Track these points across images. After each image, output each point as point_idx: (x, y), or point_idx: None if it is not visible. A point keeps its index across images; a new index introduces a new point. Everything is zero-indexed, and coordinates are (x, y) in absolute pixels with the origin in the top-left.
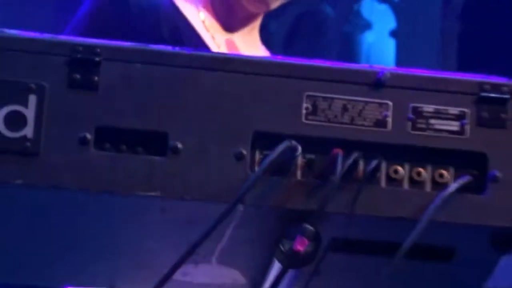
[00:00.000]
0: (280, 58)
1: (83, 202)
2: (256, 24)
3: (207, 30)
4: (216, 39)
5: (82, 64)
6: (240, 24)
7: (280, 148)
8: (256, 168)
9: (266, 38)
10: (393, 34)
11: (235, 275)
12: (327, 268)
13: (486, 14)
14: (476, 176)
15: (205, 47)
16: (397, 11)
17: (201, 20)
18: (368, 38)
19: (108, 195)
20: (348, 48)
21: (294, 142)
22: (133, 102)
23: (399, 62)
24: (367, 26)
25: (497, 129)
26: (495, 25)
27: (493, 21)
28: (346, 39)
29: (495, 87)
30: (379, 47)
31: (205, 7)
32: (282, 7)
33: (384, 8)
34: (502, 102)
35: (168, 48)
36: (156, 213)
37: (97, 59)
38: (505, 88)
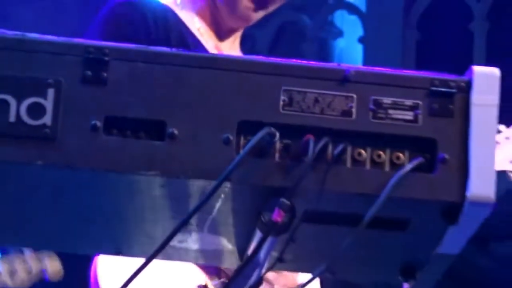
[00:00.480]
0: (261, 58)
1: (93, 180)
2: (238, 34)
3: (201, 36)
4: (208, 43)
5: (93, 63)
6: (227, 35)
7: (261, 134)
8: (241, 151)
9: (252, 44)
10: (361, 40)
11: (223, 242)
12: (301, 236)
13: (440, 24)
14: (427, 158)
15: (205, 50)
16: (364, 21)
17: (197, 28)
18: (340, 43)
19: (115, 174)
20: (324, 52)
21: (272, 129)
22: (136, 95)
23: (366, 64)
24: (339, 33)
25: (446, 118)
26: (447, 33)
27: (446, 30)
28: (321, 44)
29: (444, 83)
30: (349, 51)
31: (200, 16)
32: (266, 18)
33: (354, 18)
34: (450, 95)
35: (166, 50)
36: (156, 189)
37: (106, 58)
38: (452, 84)
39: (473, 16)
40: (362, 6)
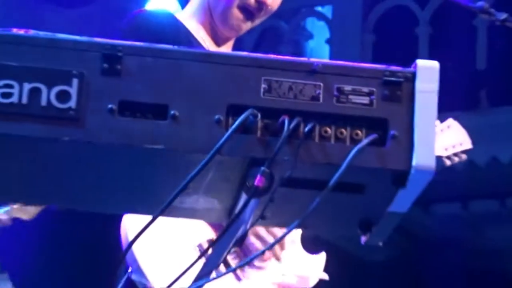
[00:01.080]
0: (245, 53)
1: (110, 153)
2: (232, 41)
3: (204, 42)
4: (209, 49)
5: (109, 58)
6: (223, 42)
7: (245, 115)
8: (229, 129)
9: (240, 46)
10: (328, 41)
11: (215, 203)
12: (278, 198)
13: (392, 28)
14: (380, 134)
15: None
16: (330, 26)
17: (201, 36)
18: (311, 44)
19: (127, 148)
20: (297, 52)
21: (255, 111)
22: (145, 83)
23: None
24: (310, 36)
25: (395, 102)
26: (397, 36)
27: (396, 33)
28: (295, 45)
29: (393, 74)
30: (318, 51)
31: (203, 27)
32: None
33: (322, 23)
34: (398, 83)
35: (169, 47)
36: (161, 160)
37: (119, 54)
38: (400, 74)
39: (418, 22)
40: (329, 14)
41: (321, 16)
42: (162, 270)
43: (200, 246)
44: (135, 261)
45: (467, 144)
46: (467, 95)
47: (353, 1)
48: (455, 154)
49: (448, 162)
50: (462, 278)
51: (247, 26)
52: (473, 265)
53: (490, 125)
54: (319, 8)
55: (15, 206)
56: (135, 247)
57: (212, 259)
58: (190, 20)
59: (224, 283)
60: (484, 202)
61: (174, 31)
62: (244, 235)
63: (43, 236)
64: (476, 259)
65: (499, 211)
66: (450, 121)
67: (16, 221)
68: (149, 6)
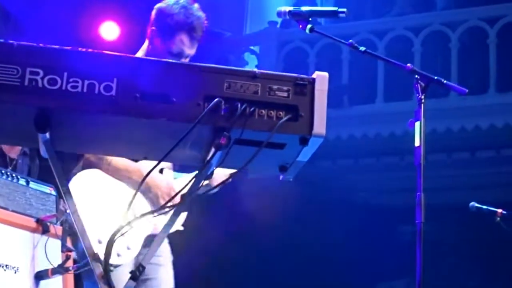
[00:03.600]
0: (217, 66)
1: (128, 122)
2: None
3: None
4: None
5: None
6: None
7: (214, 102)
8: (205, 110)
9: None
10: (256, 66)
11: (195, 154)
12: (233, 150)
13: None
14: (293, 115)
15: None
16: (258, 57)
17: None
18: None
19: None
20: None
21: (220, 99)
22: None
23: None
24: (246, 63)
25: (303, 96)
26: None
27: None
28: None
29: (302, 79)
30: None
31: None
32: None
33: (253, 56)
34: (305, 85)
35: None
36: (162, 126)
37: None
38: (305, 79)
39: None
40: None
41: (253, 52)
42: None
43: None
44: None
45: None
46: None
47: (271, 43)
48: None
49: None
50: None
51: (187, 54)
52: None
53: None
54: (252, 47)
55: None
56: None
57: (191, 190)
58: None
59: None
60: None
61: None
62: (211, 174)
63: None
64: None
65: None
66: None
67: None
68: None
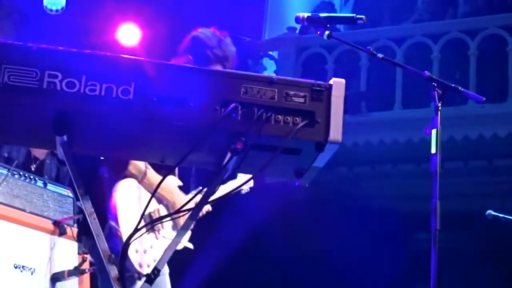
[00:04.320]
0: (233, 71)
1: (147, 126)
2: None
3: None
4: None
5: None
6: None
7: (231, 106)
8: (223, 114)
9: None
10: (275, 72)
11: (211, 158)
12: (249, 155)
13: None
14: (310, 120)
15: None
16: (277, 63)
17: None
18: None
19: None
20: None
21: (237, 104)
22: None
23: None
24: (264, 68)
25: (319, 101)
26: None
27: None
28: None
29: (319, 85)
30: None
31: None
32: None
33: (272, 62)
34: (321, 91)
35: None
36: (177, 132)
37: None
38: (322, 85)
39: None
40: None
41: (271, 57)
42: (128, 220)
43: (150, 213)
44: (114, 213)
45: None
46: None
47: (290, 49)
48: None
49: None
50: None
51: None
52: None
53: None
54: (270, 52)
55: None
56: (118, 204)
57: (205, 195)
58: None
59: (145, 241)
60: None
61: None
62: (229, 178)
63: None
64: None
65: None
66: None
67: None
68: None
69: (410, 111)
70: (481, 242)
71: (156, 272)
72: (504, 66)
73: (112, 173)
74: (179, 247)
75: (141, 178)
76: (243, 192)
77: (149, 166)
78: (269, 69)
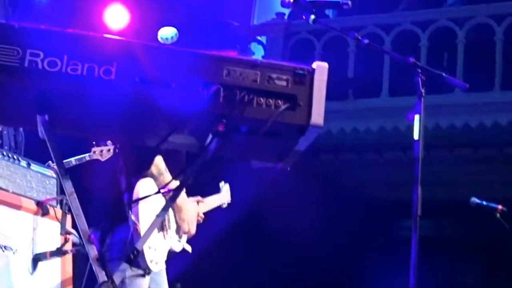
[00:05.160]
0: (216, 52)
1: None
2: None
3: None
4: None
5: None
6: None
7: (215, 87)
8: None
9: None
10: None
11: (193, 140)
12: (230, 138)
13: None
14: (292, 104)
15: None
16: (264, 48)
17: None
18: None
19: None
20: None
21: (219, 86)
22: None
23: None
24: (252, 53)
25: (301, 85)
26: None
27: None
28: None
29: (301, 69)
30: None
31: None
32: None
33: (260, 47)
34: (303, 75)
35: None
36: (159, 113)
37: None
38: (305, 69)
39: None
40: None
41: (259, 42)
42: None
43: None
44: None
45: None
46: None
47: (278, 34)
48: None
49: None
50: None
51: None
52: None
53: None
54: (258, 37)
55: (95, 150)
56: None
57: (189, 172)
58: None
59: (156, 239)
60: None
61: None
62: (213, 192)
63: None
64: None
65: None
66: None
67: None
68: None
69: (397, 98)
70: (465, 230)
71: (135, 252)
72: (492, 55)
73: (133, 170)
74: (178, 249)
75: (159, 180)
76: (223, 206)
77: (167, 170)
78: (257, 54)
